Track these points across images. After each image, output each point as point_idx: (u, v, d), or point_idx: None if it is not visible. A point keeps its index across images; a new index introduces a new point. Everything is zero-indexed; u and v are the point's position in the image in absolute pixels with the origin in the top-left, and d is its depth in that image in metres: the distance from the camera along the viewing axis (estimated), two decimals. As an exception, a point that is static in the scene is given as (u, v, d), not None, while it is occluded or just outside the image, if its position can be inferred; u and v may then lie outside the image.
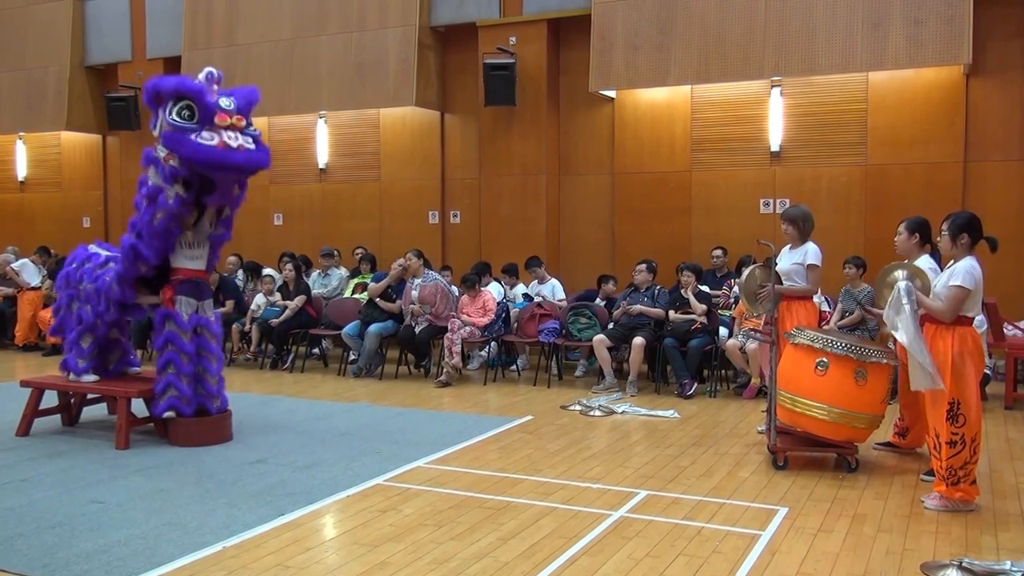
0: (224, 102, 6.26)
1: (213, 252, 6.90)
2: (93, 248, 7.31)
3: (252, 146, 6.32)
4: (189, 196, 6.37)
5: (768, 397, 5.99)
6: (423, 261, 9.67)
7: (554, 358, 9.45)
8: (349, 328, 9.83)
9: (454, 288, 9.88)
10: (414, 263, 9.58)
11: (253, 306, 10.55)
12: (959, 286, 4.95)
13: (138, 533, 4.59)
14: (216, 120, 6.17)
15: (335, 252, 11.33)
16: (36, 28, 13.95)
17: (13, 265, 12.03)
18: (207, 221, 6.70)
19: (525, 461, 6.06)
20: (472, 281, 9.51)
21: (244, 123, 6.34)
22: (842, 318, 8.23)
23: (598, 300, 9.55)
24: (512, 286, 10.24)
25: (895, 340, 5.31)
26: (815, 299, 6.85)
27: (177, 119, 6.16)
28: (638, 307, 8.72)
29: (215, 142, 6.12)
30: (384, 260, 11.06)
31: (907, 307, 5.05)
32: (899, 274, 5.28)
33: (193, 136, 6.11)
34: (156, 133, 6.40)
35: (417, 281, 9.55)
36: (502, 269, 10.36)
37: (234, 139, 6.20)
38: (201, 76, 6.40)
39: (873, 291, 7.65)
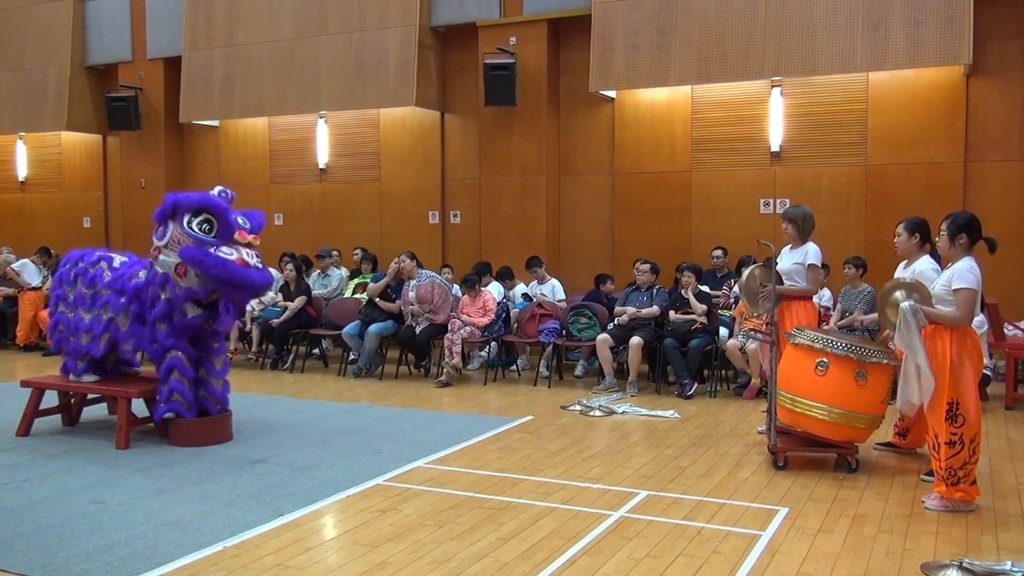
0: (241, 220, 6.37)
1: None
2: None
3: (261, 267, 6.46)
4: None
5: (768, 397, 5.99)
6: (416, 262, 9.68)
7: (554, 359, 9.44)
8: (349, 328, 9.84)
9: (456, 289, 9.88)
10: (407, 265, 9.59)
11: (253, 306, 10.55)
12: (967, 288, 4.92)
13: (138, 533, 4.59)
14: (236, 236, 6.28)
15: (332, 252, 11.32)
16: (36, 28, 13.95)
17: (14, 265, 12.04)
18: None
19: (525, 461, 6.06)
20: (472, 281, 9.51)
21: (257, 243, 6.50)
22: (842, 318, 8.23)
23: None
24: (510, 289, 10.21)
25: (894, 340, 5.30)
26: (816, 298, 6.84)
27: (197, 231, 6.21)
28: (626, 316, 8.71)
29: (235, 257, 6.21)
30: (385, 260, 11.05)
31: (914, 327, 4.99)
32: (899, 295, 5.20)
33: (213, 250, 6.18)
34: (162, 243, 6.36)
35: (413, 282, 9.56)
36: (497, 274, 10.27)
37: (251, 257, 6.33)
38: (215, 192, 6.48)
39: (874, 291, 7.66)
